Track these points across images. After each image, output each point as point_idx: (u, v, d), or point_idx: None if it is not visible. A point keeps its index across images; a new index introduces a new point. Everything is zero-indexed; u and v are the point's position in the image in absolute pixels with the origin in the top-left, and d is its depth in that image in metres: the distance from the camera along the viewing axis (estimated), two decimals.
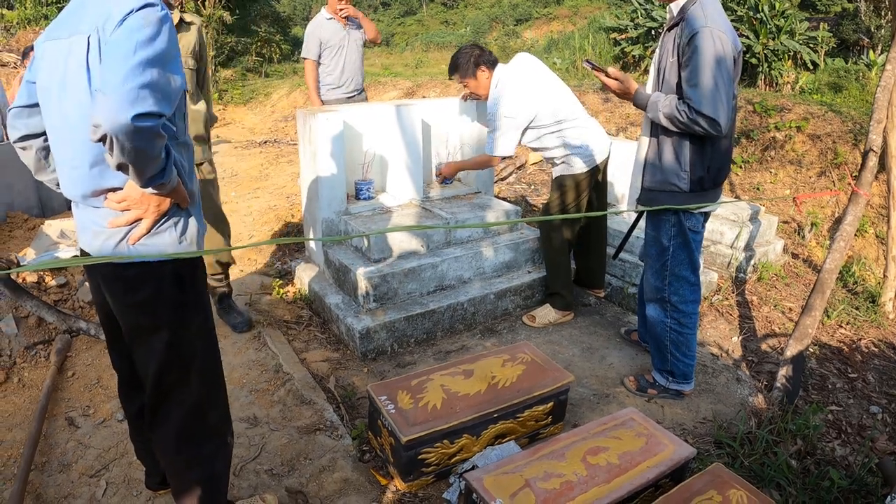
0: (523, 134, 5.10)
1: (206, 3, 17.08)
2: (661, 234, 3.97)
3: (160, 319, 2.47)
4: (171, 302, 2.46)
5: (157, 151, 2.12)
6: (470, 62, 5.13)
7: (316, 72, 6.99)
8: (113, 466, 3.48)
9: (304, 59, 7.03)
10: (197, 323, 2.59)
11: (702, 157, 3.74)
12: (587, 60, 4.01)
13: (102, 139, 2.01)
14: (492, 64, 5.14)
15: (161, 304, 2.46)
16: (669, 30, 3.65)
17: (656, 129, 3.78)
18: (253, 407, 4.04)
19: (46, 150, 2.57)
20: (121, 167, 2.10)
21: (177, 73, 2.19)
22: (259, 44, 22.70)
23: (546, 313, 5.30)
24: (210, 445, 2.74)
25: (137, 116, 1.99)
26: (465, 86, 5.33)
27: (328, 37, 6.83)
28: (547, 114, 5.01)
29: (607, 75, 3.81)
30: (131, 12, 2.10)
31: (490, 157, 5.19)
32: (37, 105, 2.43)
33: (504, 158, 5.30)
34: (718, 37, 3.44)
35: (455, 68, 5.20)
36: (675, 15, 3.65)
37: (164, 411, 2.63)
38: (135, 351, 2.60)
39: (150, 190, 2.26)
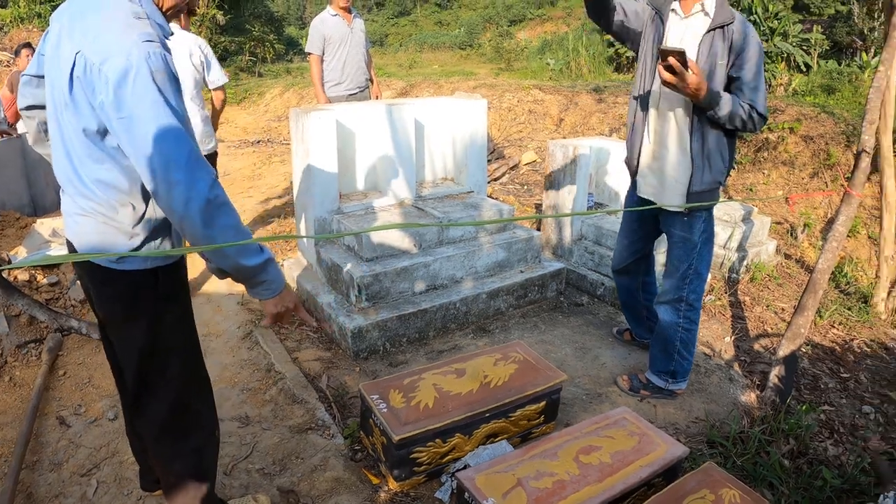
0: None
1: (200, 2, 17.07)
2: (693, 232, 3.95)
3: (137, 310, 2.46)
4: (146, 294, 2.45)
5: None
6: None
7: (320, 67, 7.04)
8: (104, 465, 3.47)
9: (308, 53, 7.09)
10: (174, 314, 2.58)
11: (733, 150, 3.85)
12: (662, 48, 3.60)
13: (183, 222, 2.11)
14: None
15: (137, 296, 2.44)
16: (711, 30, 3.58)
17: (699, 131, 3.71)
18: (245, 406, 4.03)
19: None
20: (233, 270, 2.26)
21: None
22: (252, 43, 22.70)
23: None
24: (196, 438, 2.73)
25: (213, 185, 2.10)
26: None
27: (331, 33, 6.89)
28: None
29: (686, 68, 3.39)
30: (132, 62, 2.03)
31: None
32: (43, 77, 2.39)
33: None
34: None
35: None
36: (708, 12, 3.61)
37: (145, 402, 2.62)
38: (114, 341, 2.62)
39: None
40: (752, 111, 3.54)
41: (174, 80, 2.13)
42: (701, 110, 3.60)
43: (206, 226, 2.12)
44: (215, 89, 5.70)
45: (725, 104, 3.51)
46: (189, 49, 5.30)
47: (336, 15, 6.91)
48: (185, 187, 2.06)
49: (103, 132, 2.16)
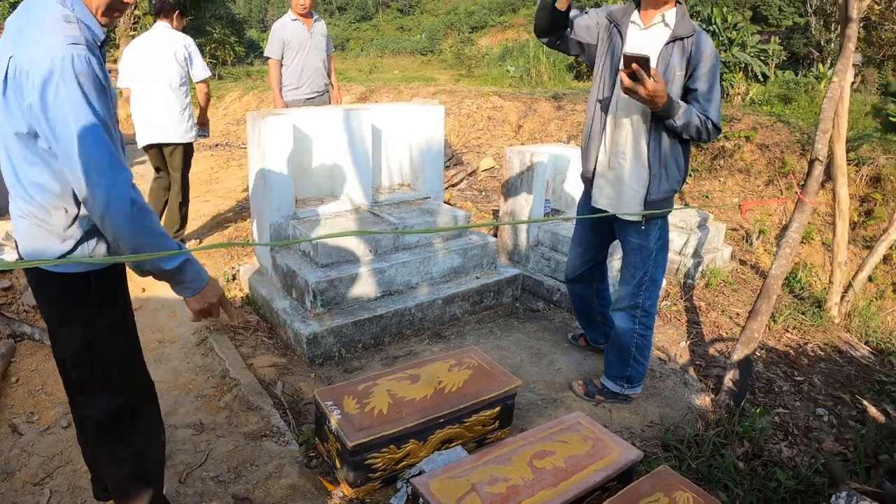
0: None
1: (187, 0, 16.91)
2: (649, 240, 3.97)
3: (70, 313, 2.47)
4: (79, 297, 2.45)
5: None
6: None
7: (279, 72, 7.11)
8: (57, 474, 3.42)
9: (268, 58, 7.16)
10: (110, 318, 2.57)
11: (688, 158, 3.89)
12: (626, 54, 3.42)
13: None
14: None
15: (70, 299, 2.45)
16: (671, 42, 3.61)
17: (656, 140, 3.74)
18: (199, 413, 3.99)
19: None
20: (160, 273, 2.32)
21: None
22: (213, 46, 22.52)
23: None
24: (137, 442, 2.72)
25: (132, 188, 2.14)
26: None
27: (290, 37, 6.96)
28: None
29: (649, 75, 3.37)
30: (56, 64, 2.07)
31: None
32: None
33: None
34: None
35: None
36: (668, 24, 3.65)
37: (83, 404, 2.65)
38: (55, 343, 2.63)
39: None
40: (707, 122, 3.59)
41: (98, 82, 2.15)
42: (657, 119, 3.63)
43: (125, 227, 2.17)
44: (198, 83, 6.23)
45: (683, 114, 3.54)
46: (174, 48, 5.89)
47: (296, 20, 6.99)
48: (104, 189, 2.11)
49: (34, 135, 2.17)
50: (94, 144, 2.08)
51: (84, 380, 2.57)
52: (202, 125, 6.50)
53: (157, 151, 6.15)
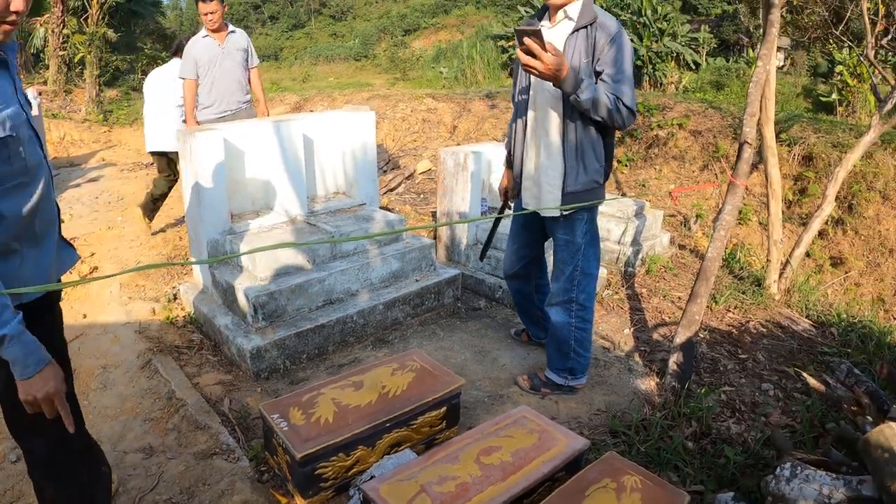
0: None
1: (89, 20, 16.65)
2: (575, 235, 4.00)
3: None
4: None
5: None
6: None
7: (193, 91, 6.94)
8: None
9: (182, 78, 6.96)
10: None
11: (608, 148, 3.90)
12: (517, 28, 3.35)
13: None
14: None
15: None
16: (574, 32, 3.66)
17: (572, 131, 3.76)
18: (148, 437, 3.95)
19: None
20: None
21: None
22: (145, 62, 22.21)
23: None
24: (82, 473, 2.68)
25: None
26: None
27: (200, 54, 6.77)
28: None
29: (543, 48, 3.31)
30: None
31: None
32: None
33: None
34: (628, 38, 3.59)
35: None
36: (571, 17, 3.70)
37: (18, 442, 2.56)
38: None
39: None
40: (617, 101, 3.58)
41: None
42: (572, 110, 3.69)
43: None
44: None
45: (587, 88, 3.50)
46: (175, 79, 7.17)
47: (207, 36, 6.79)
48: None
49: None
50: None
51: (6, 417, 2.47)
52: None
53: (162, 157, 7.34)
